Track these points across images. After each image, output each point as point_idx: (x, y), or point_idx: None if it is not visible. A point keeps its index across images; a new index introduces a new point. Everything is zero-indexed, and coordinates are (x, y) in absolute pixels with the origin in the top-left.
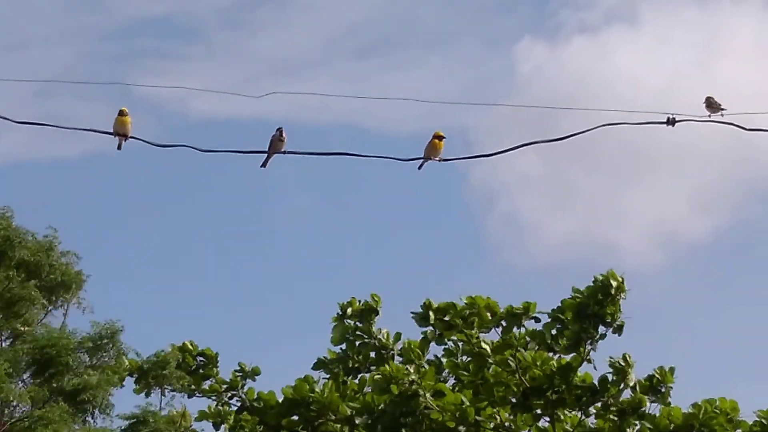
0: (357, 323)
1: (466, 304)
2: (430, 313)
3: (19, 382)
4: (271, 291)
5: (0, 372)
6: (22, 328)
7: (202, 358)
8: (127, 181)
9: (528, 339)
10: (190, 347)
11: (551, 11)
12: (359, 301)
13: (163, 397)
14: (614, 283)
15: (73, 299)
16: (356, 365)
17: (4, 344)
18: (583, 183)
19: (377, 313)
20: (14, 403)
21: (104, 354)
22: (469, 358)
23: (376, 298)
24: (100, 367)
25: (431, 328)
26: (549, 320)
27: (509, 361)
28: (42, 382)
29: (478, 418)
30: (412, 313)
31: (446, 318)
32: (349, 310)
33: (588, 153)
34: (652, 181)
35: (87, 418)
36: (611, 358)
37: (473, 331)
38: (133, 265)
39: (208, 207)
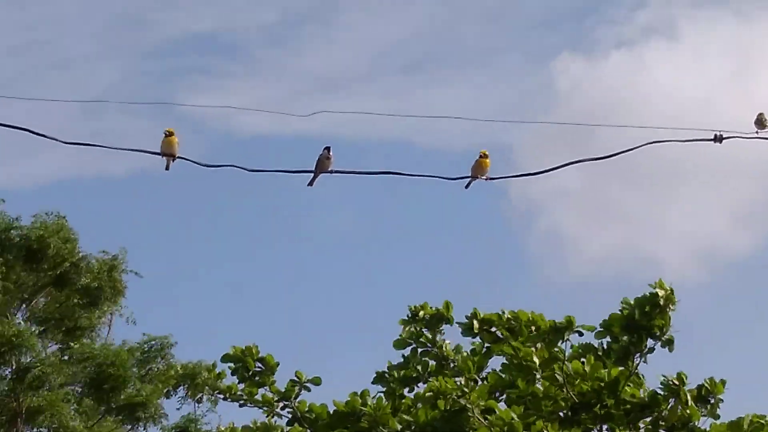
0: (423, 330)
1: (510, 317)
2: (475, 322)
3: (73, 402)
4: (316, 307)
5: (57, 398)
6: (74, 345)
7: (260, 365)
8: (173, 198)
9: (581, 351)
10: (253, 351)
11: (589, 27)
12: (431, 307)
13: (212, 410)
14: (662, 294)
15: (117, 311)
16: (415, 375)
17: (59, 361)
18: (623, 198)
19: (447, 322)
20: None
21: (154, 366)
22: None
23: (448, 306)
24: (149, 377)
25: (478, 339)
26: (599, 330)
27: (557, 375)
28: (97, 397)
29: None
30: (458, 323)
31: (492, 329)
32: (421, 313)
33: (627, 168)
34: (692, 195)
35: (139, 429)
36: (664, 376)
37: (519, 344)
38: (180, 280)
39: (253, 223)
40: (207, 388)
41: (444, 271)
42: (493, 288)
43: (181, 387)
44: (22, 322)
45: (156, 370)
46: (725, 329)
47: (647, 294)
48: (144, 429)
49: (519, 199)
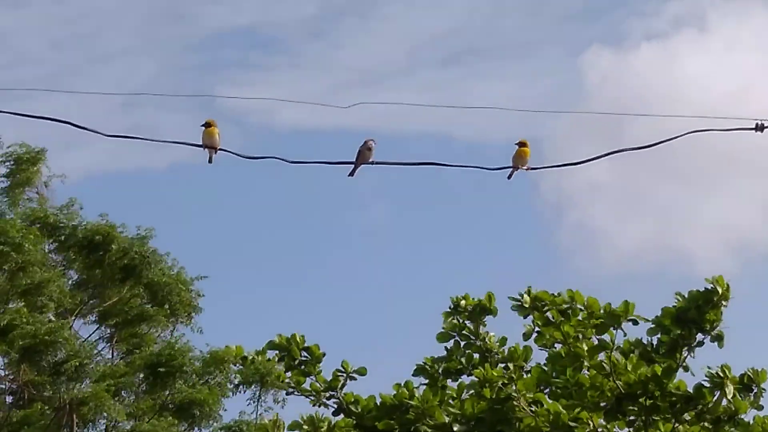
0: (466, 322)
1: (567, 297)
2: (527, 298)
3: (132, 396)
4: (357, 298)
5: (101, 389)
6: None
7: (306, 354)
8: (214, 191)
9: (632, 347)
10: (298, 339)
11: (618, 19)
12: (473, 298)
13: (262, 401)
14: (719, 290)
15: (185, 320)
16: (459, 367)
17: (117, 358)
18: (654, 190)
19: (490, 313)
20: (116, 419)
21: (212, 375)
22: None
23: (490, 297)
24: (208, 383)
25: (530, 323)
26: (652, 326)
27: (604, 364)
28: (155, 395)
29: (572, 424)
30: (510, 298)
31: (545, 310)
32: (462, 303)
33: (659, 160)
34: (724, 187)
35: (193, 428)
36: (709, 368)
37: (571, 329)
38: (223, 273)
39: (294, 216)
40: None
41: (473, 264)
42: (523, 281)
43: (247, 386)
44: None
45: (215, 381)
46: (760, 321)
47: (702, 289)
48: (199, 428)
49: (549, 192)
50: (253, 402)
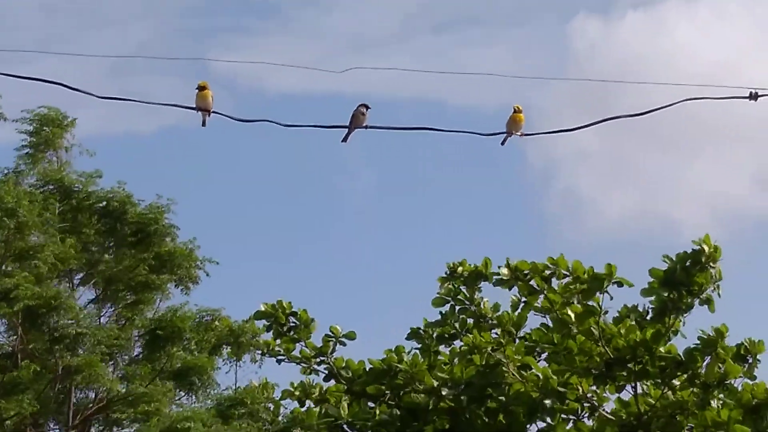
0: (461, 287)
1: (549, 263)
2: (506, 270)
3: (127, 360)
4: (350, 264)
5: (95, 358)
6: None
7: (294, 320)
8: (204, 155)
9: (629, 313)
10: (285, 305)
11: None
12: (470, 264)
13: (252, 362)
14: (707, 250)
15: (186, 292)
16: (452, 332)
17: (113, 322)
18: (642, 158)
19: (485, 279)
20: (108, 387)
21: (205, 336)
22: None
23: (487, 263)
24: (200, 348)
25: (516, 293)
26: (644, 288)
27: (592, 329)
28: (152, 360)
29: (561, 389)
30: (492, 273)
31: (528, 279)
32: (459, 269)
33: (646, 129)
34: (712, 156)
35: (190, 395)
36: (702, 330)
37: (556, 296)
38: (212, 239)
39: (286, 181)
40: (251, 348)
41: (465, 231)
42: (509, 249)
43: (225, 347)
44: (69, 283)
45: (206, 341)
46: (747, 290)
47: (689, 251)
48: (197, 396)
49: (537, 159)
50: (230, 364)
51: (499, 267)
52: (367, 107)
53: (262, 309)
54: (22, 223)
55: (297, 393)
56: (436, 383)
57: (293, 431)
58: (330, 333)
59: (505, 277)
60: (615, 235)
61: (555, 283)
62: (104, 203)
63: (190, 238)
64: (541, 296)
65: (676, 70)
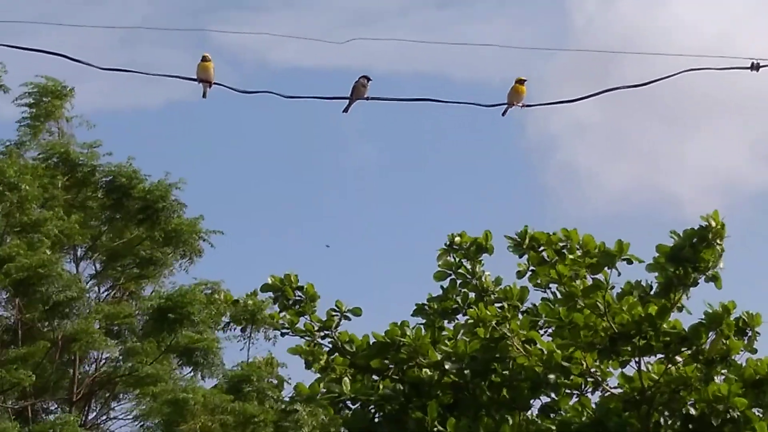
0: (462, 260)
1: (562, 236)
2: (526, 239)
3: (133, 339)
4: (353, 238)
5: (90, 323)
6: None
7: (300, 294)
8: (209, 128)
9: (632, 288)
10: (292, 279)
11: None
12: (470, 236)
13: (256, 341)
14: (714, 226)
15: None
16: (455, 306)
17: (111, 297)
18: (641, 131)
19: (486, 251)
20: (107, 354)
21: (205, 310)
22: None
23: (487, 235)
24: (208, 325)
25: (524, 261)
26: (649, 263)
27: (598, 303)
28: (158, 338)
29: (565, 364)
30: (506, 237)
31: (541, 250)
32: (457, 239)
33: (645, 100)
34: (712, 129)
35: (197, 373)
36: (709, 304)
37: (565, 269)
38: (215, 213)
39: (288, 153)
40: (264, 325)
41: (464, 205)
42: (509, 223)
43: (236, 325)
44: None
45: (207, 315)
46: (746, 263)
47: (696, 227)
48: (203, 374)
49: (535, 133)
50: (243, 340)
51: (516, 233)
52: (368, 79)
53: (269, 282)
54: (23, 197)
55: (305, 355)
56: (439, 357)
57: (297, 404)
58: (335, 308)
59: (523, 245)
60: (615, 209)
61: (566, 256)
62: (110, 178)
63: (197, 215)
64: (549, 269)
65: (674, 43)
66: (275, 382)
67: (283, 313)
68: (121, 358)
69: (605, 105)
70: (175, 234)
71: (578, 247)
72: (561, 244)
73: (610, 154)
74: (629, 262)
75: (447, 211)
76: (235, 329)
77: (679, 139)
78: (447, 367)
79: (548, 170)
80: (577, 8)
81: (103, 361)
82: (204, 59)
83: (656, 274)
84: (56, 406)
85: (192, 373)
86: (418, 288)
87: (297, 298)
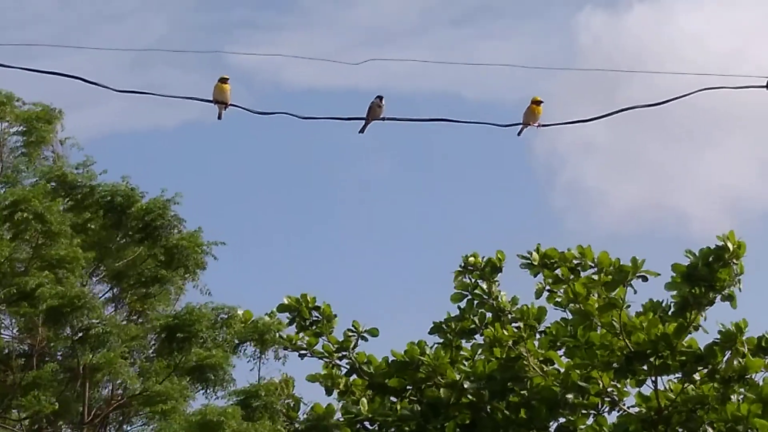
0: (478, 281)
1: (579, 252)
2: (536, 255)
3: (143, 359)
4: (367, 257)
5: (116, 355)
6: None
7: (317, 315)
8: (224, 149)
9: (653, 308)
10: (309, 299)
11: None
12: (482, 257)
13: (264, 359)
14: (730, 246)
15: (193, 278)
16: (472, 326)
17: (125, 319)
18: (649, 149)
19: (500, 272)
20: (128, 383)
21: (220, 333)
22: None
23: (500, 256)
24: (218, 344)
25: (540, 281)
26: (668, 282)
27: (614, 322)
28: (167, 356)
29: (582, 384)
30: (519, 256)
31: (555, 267)
32: (471, 260)
33: (653, 118)
34: (719, 146)
35: (208, 391)
36: (722, 325)
37: (581, 288)
38: (231, 232)
39: (301, 175)
40: (274, 344)
41: (472, 224)
42: (514, 242)
43: (248, 344)
44: (85, 282)
45: (222, 339)
46: (755, 282)
47: (712, 246)
48: (214, 391)
49: (542, 151)
50: (254, 360)
51: (528, 251)
52: (382, 99)
53: (286, 302)
54: (53, 232)
55: (323, 380)
56: (458, 377)
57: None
58: (352, 328)
59: (534, 262)
60: (622, 227)
61: (581, 273)
62: (109, 198)
63: (196, 228)
64: (564, 286)
65: (683, 59)
66: (291, 403)
67: (301, 334)
68: (138, 385)
69: (613, 123)
70: (177, 250)
71: (592, 264)
72: (575, 262)
73: (618, 172)
74: (644, 279)
75: (455, 229)
76: (245, 348)
77: (687, 157)
78: (466, 386)
79: (556, 189)
80: (586, 26)
81: (117, 384)
82: (222, 80)
83: (673, 292)
84: (70, 429)
85: (203, 392)
86: (428, 306)
87: (314, 318)
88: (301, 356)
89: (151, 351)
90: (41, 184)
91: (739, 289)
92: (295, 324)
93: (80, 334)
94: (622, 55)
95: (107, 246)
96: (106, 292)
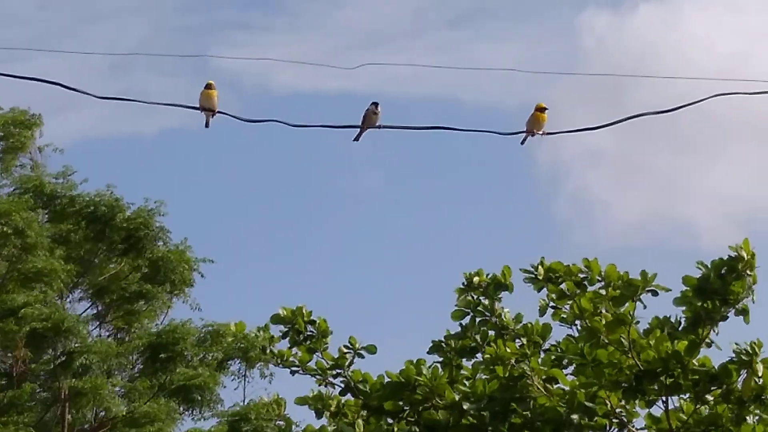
0: (481, 298)
1: (585, 265)
2: (540, 269)
3: (126, 378)
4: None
5: (102, 382)
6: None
7: (312, 329)
8: (207, 157)
9: (661, 324)
10: (304, 312)
11: None
12: (486, 274)
13: (260, 378)
14: (744, 256)
15: (181, 294)
16: (473, 345)
17: (108, 335)
18: (656, 159)
19: (506, 289)
20: (111, 408)
21: (210, 352)
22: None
23: (506, 272)
24: (205, 361)
25: (545, 297)
26: (677, 297)
27: (622, 339)
28: (152, 376)
29: (588, 404)
30: (522, 270)
31: (560, 282)
32: (475, 279)
33: (659, 125)
34: (730, 155)
35: (194, 412)
36: (737, 344)
37: (588, 304)
38: (216, 246)
39: (290, 185)
40: (260, 362)
41: (472, 236)
42: (517, 256)
43: (234, 361)
44: (65, 295)
45: (212, 357)
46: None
47: (725, 257)
48: (201, 413)
49: (545, 161)
50: (238, 378)
51: (532, 265)
52: (377, 106)
53: (281, 314)
54: (30, 245)
55: (313, 402)
56: (457, 397)
57: None
58: (348, 344)
59: (539, 276)
60: (628, 240)
61: (587, 288)
62: (91, 208)
63: (182, 239)
64: (569, 302)
65: (689, 63)
66: (282, 424)
67: (294, 350)
68: (123, 406)
69: (618, 129)
70: (162, 263)
71: (599, 278)
72: (581, 276)
73: (624, 182)
74: (654, 293)
75: (453, 242)
76: (230, 366)
77: (695, 166)
78: (465, 407)
79: (559, 200)
80: (589, 27)
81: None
82: (208, 87)
83: (683, 308)
84: None
85: (189, 413)
86: (435, 323)
87: (309, 333)
88: (293, 373)
89: (135, 370)
90: (24, 198)
91: (753, 300)
92: (288, 338)
93: (62, 359)
94: (628, 57)
95: (89, 259)
96: (88, 308)
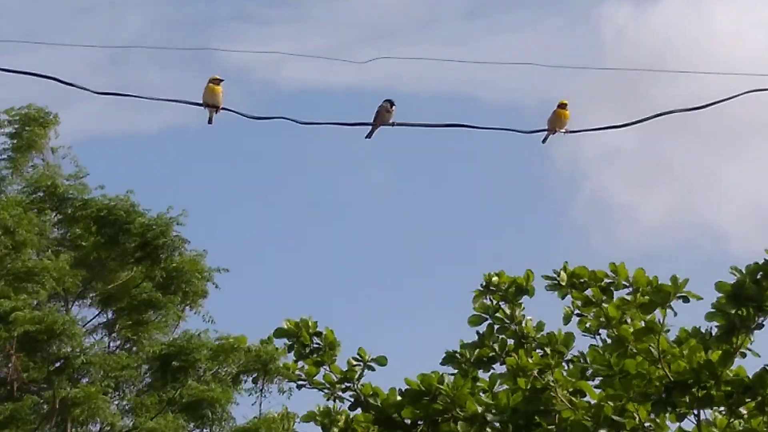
0: (500, 303)
1: (611, 270)
2: (564, 275)
3: (134, 391)
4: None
5: (96, 390)
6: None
7: (318, 341)
8: (213, 156)
9: (689, 335)
10: (309, 324)
11: None
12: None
13: (266, 392)
14: None
15: (195, 307)
16: (491, 354)
17: (115, 347)
18: (680, 158)
19: (527, 293)
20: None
21: (224, 366)
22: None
23: (528, 275)
24: (218, 375)
25: (568, 303)
26: (711, 310)
27: (651, 348)
28: (160, 390)
29: (616, 418)
30: (544, 276)
31: (584, 288)
32: (494, 280)
33: (683, 123)
34: (758, 154)
35: (203, 430)
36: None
37: (615, 311)
38: (223, 251)
39: (297, 183)
40: (278, 376)
41: (486, 241)
42: (533, 260)
43: (250, 375)
44: (67, 299)
45: (225, 372)
46: None
47: (759, 262)
48: (210, 431)
49: (564, 161)
50: (255, 393)
51: (555, 271)
52: (392, 104)
53: (285, 327)
54: (20, 242)
55: (320, 418)
56: (480, 409)
57: None
58: (357, 356)
59: (562, 282)
60: (651, 244)
61: (614, 294)
62: (105, 212)
63: (200, 251)
64: (594, 309)
65: (712, 58)
66: None
67: (300, 363)
68: (128, 421)
69: (639, 127)
70: (176, 273)
71: (626, 284)
72: (607, 281)
73: (645, 182)
74: (686, 300)
75: (467, 246)
76: (246, 381)
77: (721, 166)
78: (489, 418)
79: (577, 202)
80: (610, 20)
81: (104, 422)
82: (213, 81)
83: (714, 314)
84: None
85: (197, 428)
86: (450, 331)
87: (315, 345)
88: (299, 387)
89: (143, 384)
90: (13, 197)
91: None
92: (293, 351)
93: (57, 364)
94: (648, 51)
95: (99, 265)
96: (96, 316)
